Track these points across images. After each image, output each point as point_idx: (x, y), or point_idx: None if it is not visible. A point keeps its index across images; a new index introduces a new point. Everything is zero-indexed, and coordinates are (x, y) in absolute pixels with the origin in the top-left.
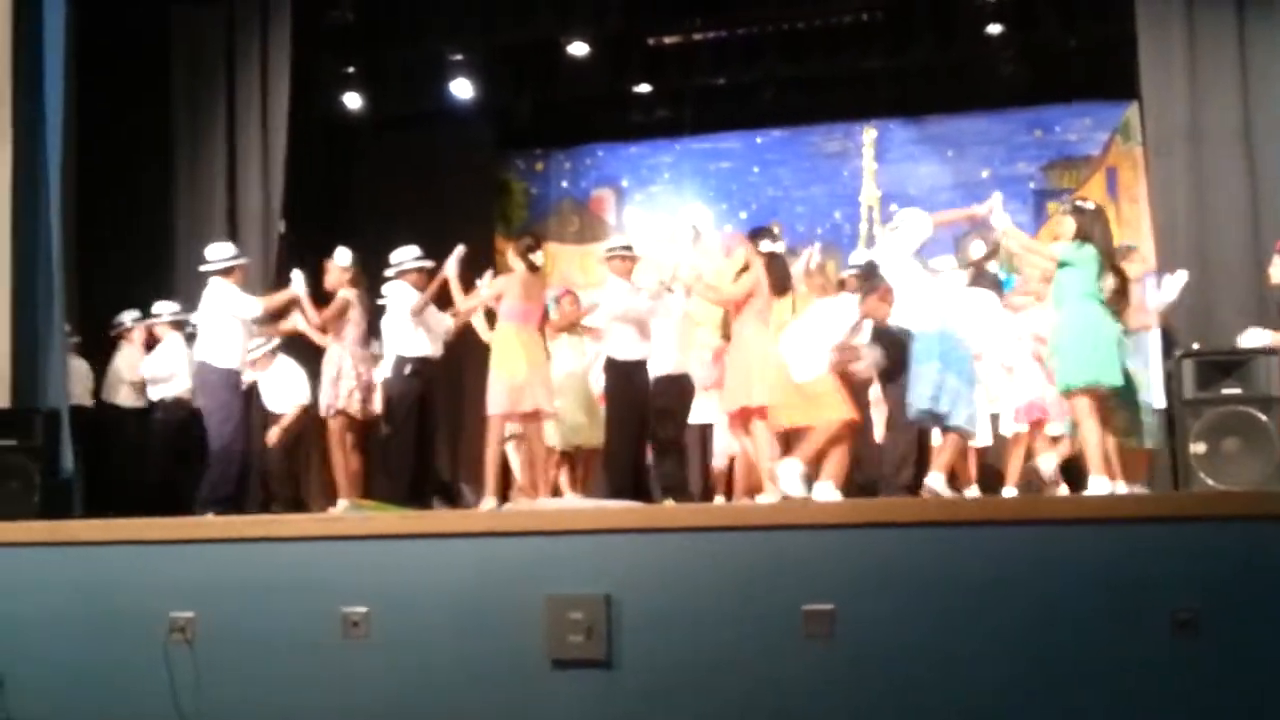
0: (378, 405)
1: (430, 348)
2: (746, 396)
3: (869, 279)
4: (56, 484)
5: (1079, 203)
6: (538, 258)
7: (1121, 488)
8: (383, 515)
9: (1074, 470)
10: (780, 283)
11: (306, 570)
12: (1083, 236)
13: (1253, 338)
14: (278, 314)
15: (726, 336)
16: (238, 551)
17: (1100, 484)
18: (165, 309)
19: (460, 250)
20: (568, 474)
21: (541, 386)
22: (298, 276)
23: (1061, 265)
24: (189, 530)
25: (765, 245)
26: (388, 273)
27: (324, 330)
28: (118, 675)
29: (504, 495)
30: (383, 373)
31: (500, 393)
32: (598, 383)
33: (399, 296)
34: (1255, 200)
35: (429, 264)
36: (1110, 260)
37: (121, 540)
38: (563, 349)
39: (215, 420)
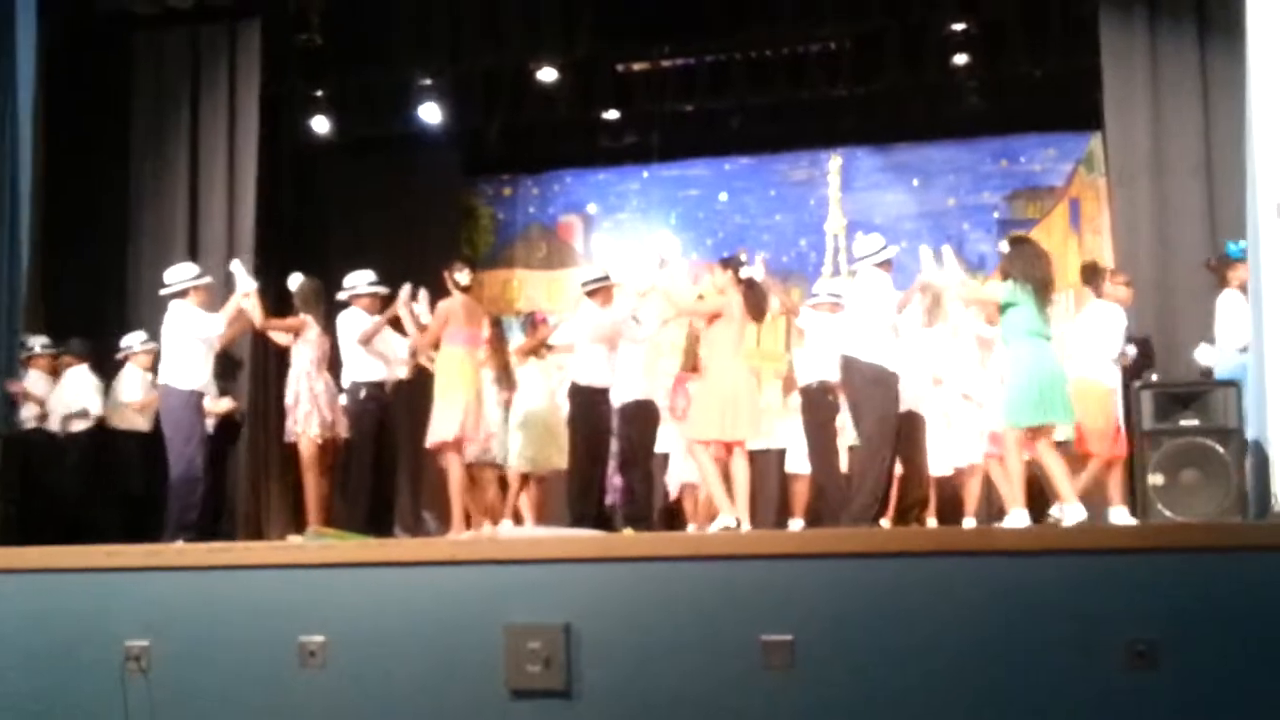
0: (344, 429)
1: (384, 372)
2: (721, 430)
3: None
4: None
5: (1001, 245)
6: (463, 278)
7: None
8: (341, 543)
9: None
10: (758, 309)
11: (264, 599)
12: (1007, 274)
13: (1204, 354)
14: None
15: (691, 367)
16: (194, 579)
17: (1075, 511)
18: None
19: (407, 288)
20: (528, 498)
21: (480, 412)
22: (237, 266)
23: (1004, 307)
24: (145, 558)
25: (745, 272)
26: (340, 296)
27: (266, 329)
28: (72, 704)
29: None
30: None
31: (447, 420)
32: (563, 408)
33: (350, 321)
34: (1215, 232)
35: (382, 289)
36: (1049, 290)
37: (76, 568)
38: (530, 373)
39: (177, 442)
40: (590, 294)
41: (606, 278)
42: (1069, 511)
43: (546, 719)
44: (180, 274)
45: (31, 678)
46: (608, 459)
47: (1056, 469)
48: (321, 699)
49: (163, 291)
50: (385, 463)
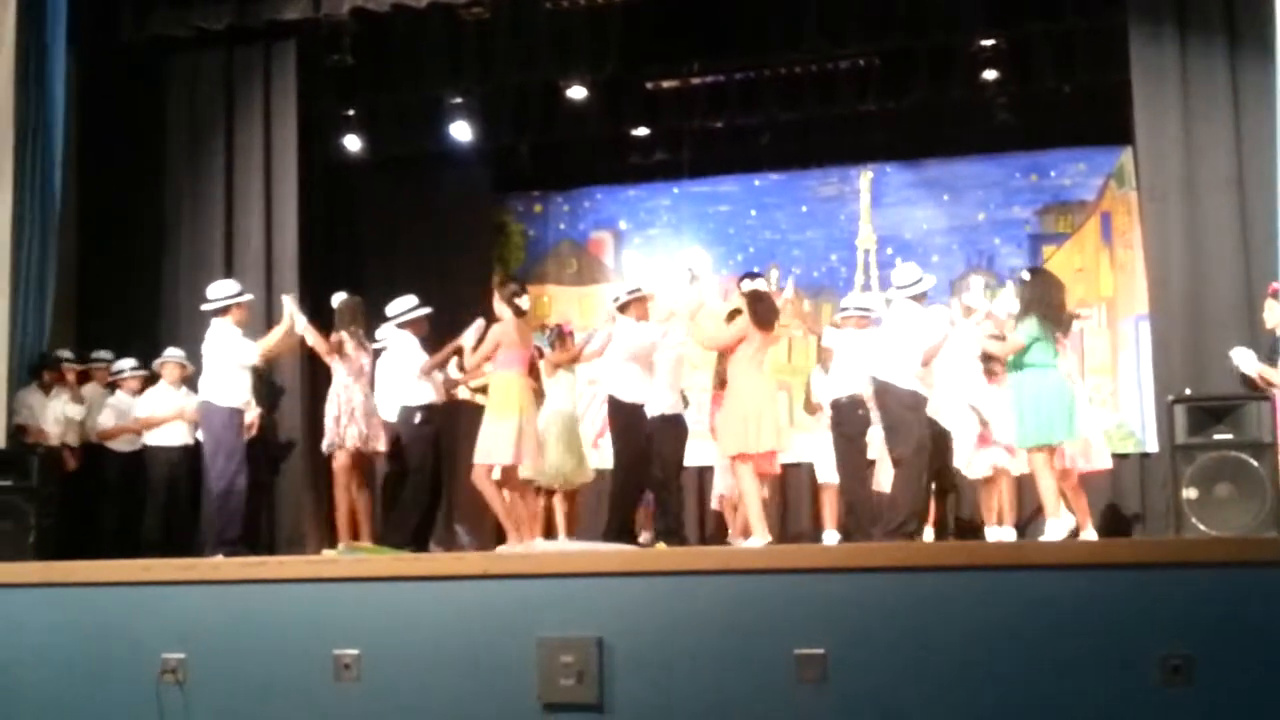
0: (381, 443)
1: (434, 394)
2: (744, 443)
3: None
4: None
5: (1022, 275)
6: (524, 302)
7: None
8: (375, 558)
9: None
10: (764, 319)
11: (299, 612)
12: (1028, 306)
13: (1241, 357)
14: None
15: (721, 384)
16: (230, 593)
17: (1056, 526)
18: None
19: (479, 324)
20: (560, 512)
21: (530, 437)
22: (287, 301)
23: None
24: (181, 571)
25: (746, 285)
26: (387, 326)
27: (330, 353)
28: (109, 716)
29: (498, 539)
30: (387, 418)
31: (502, 441)
32: (589, 422)
33: (402, 346)
34: (1247, 246)
35: (428, 310)
36: (1059, 321)
37: (114, 581)
38: (557, 386)
39: (219, 459)
40: (623, 308)
41: (639, 290)
42: (1050, 526)
43: None
44: (221, 291)
45: (69, 690)
46: (649, 473)
47: (1049, 485)
48: (356, 711)
49: (204, 307)
50: (437, 484)
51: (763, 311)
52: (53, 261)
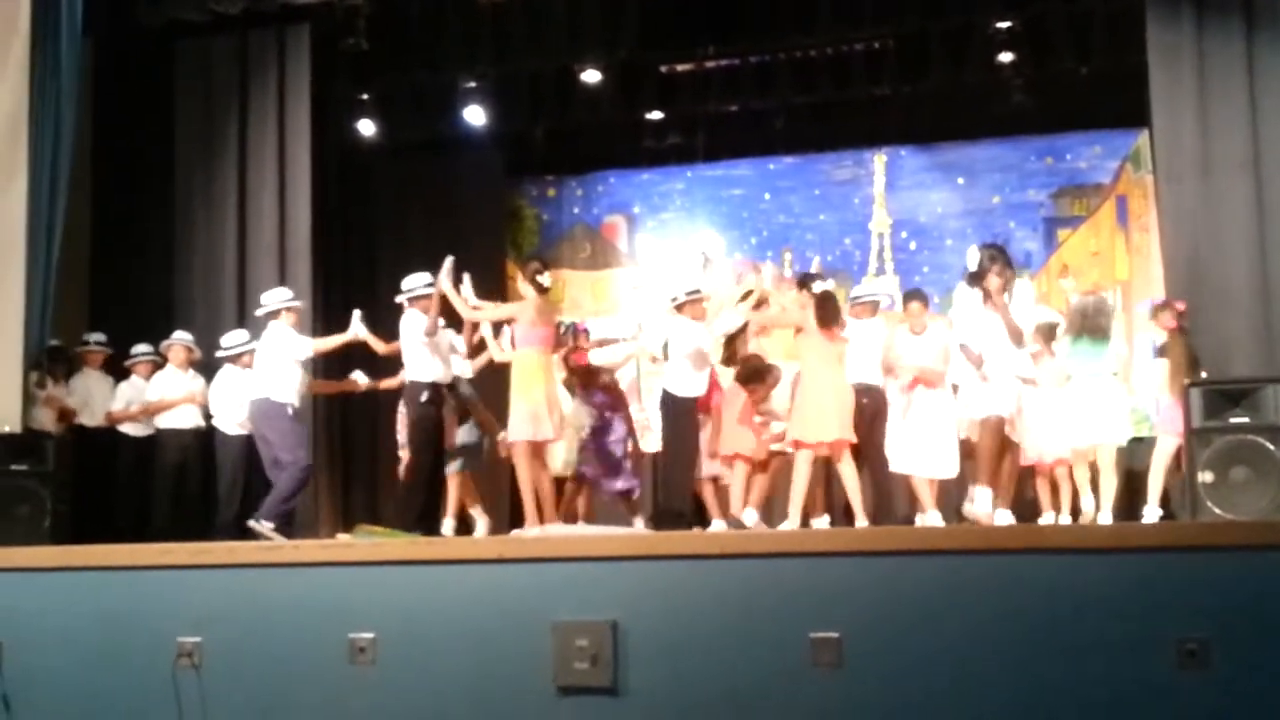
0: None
1: (441, 372)
2: (828, 431)
3: None
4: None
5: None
6: (545, 279)
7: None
8: (390, 541)
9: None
10: (828, 319)
11: (314, 596)
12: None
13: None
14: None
15: (728, 360)
16: (245, 577)
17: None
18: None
19: (449, 262)
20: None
21: (556, 413)
22: (356, 319)
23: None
24: (197, 556)
25: (818, 286)
26: (399, 299)
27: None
28: (126, 700)
29: (514, 522)
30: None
31: (524, 420)
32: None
33: (411, 323)
34: (1264, 230)
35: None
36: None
37: (130, 565)
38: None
39: (288, 446)
40: (680, 309)
41: (697, 291)
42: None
43: (594, 716)
44: (276, 296)
45: (86, 673)
46: (699, 465)
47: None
48: (371, 695)
49: (258, 312)
50: (438, 466)
51: (829, 312)
52: (57, 249)
